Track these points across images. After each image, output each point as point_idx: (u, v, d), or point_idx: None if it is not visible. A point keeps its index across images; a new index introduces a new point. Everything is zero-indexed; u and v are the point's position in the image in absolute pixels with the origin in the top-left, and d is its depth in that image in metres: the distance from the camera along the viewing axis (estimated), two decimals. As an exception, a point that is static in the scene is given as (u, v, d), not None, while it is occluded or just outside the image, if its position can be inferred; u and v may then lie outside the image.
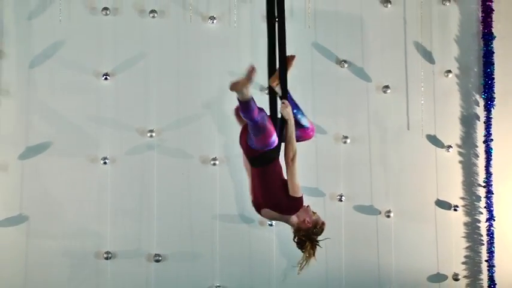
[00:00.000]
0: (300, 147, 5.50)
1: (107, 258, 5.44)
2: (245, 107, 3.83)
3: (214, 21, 5.63)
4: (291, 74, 5.50)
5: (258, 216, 5.16)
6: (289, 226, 4.25)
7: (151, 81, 5.61)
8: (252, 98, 3.82)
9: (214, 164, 5.59)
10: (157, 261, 5.49)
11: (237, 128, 4.45)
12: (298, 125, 4.18)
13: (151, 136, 5.54)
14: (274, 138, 3.93)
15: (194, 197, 5.62)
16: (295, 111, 4.26)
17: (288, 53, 4.53)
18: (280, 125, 4.12)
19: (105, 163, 5.49)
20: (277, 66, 4.33)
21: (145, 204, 5.57)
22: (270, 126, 3.94)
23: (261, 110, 3.93)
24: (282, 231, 5.65)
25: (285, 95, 4.10)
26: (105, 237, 5.48)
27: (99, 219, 5.50)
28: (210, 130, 5.67)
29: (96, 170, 5.51)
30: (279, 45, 4.27)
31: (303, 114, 4.21)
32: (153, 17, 5.57)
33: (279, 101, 4.20)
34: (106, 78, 5.52)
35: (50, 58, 5.49)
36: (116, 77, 5.58)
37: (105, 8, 5.48)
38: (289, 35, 5.45)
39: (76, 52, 5.54)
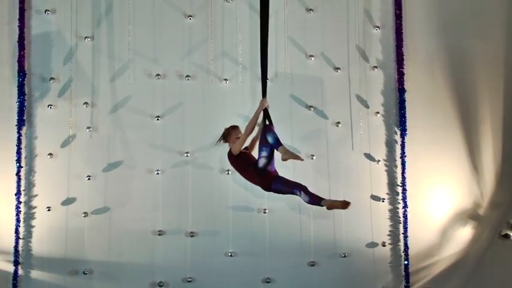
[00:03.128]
0: (282, 162, 6.04)
1: (159, 235, 6.74)
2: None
3: (227, 81, 6.92)
4: (278, 114, 6.40)
5: (256, 205, 6.64)
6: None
7: (186, 121, 6.89)
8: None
9: (228, 173, 6.82)
10: (192, 236, 6.78)
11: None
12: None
13: (187, 156, 6.84)
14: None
15: (215, 194, 6.81)
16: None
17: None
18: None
19: (157, 173, 6.81)
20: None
21: (184, 200, 6.78)
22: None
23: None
24: (272, 217, 6.77)
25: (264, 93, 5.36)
26: (158, 221, 6.75)
27: (154, 209, 6.76)
28: (225, 151, 5.90)
29: (152, 178, 6.81)
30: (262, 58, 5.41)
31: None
32: (188, 79, 6.89)
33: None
34: (158, 119, 6.85)
35: (122, 107, 6.85)
36: (165, 118, 6.89)
37: (158, 74, 6.86)
38: (275, 89, 6.72)
39: (139, 102, 6.86)
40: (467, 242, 7.30)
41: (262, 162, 5.34)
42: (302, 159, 5.36)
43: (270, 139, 5.33)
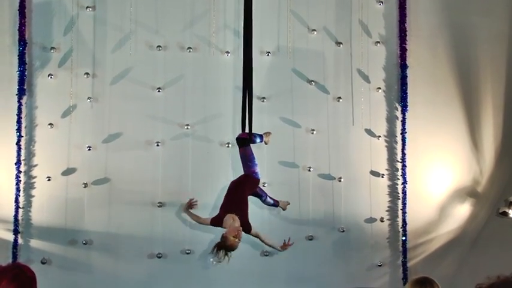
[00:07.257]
0: (282, 136, 6.78)
1: (159, 206, 6.76)
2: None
3: (229, 54, 6.84)
4: (280, 88, 6.96)
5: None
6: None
7: (187, 93, 6.87)
8: None
9: (228, 146, 6.84)
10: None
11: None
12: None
13: (187, 128, 6.82)
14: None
15: (215, 167, 6.84)
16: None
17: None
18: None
19: (157, 145, 6.77)
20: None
21: (184, 172, 6.78)
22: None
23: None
24: (271, 191, 6.58)
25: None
26: (157, 193, 6.75)
27: (154, 181, 6.73)
28: (225, 124, 6.78)
29: (152, 150, 6.79)
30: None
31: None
32: (189, 51, 6.85)
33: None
34: (159, 91, 6.82)
35: (123, 78, 6.79)
36: (165, 90, 6.84)
37: (159, 46, 6.79)
38: (277, 63, 6.92)
39: (140, 74, 6.80)
40: (465, 219, 7.32)
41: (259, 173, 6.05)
42: (270, 133, 6.41)
43: (258, 140, 6.13)
